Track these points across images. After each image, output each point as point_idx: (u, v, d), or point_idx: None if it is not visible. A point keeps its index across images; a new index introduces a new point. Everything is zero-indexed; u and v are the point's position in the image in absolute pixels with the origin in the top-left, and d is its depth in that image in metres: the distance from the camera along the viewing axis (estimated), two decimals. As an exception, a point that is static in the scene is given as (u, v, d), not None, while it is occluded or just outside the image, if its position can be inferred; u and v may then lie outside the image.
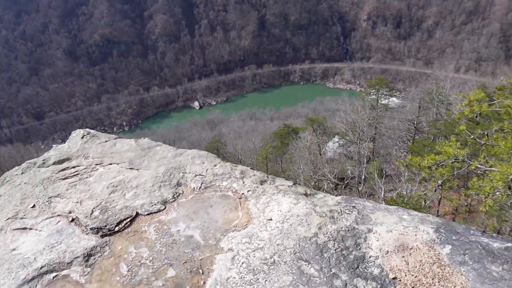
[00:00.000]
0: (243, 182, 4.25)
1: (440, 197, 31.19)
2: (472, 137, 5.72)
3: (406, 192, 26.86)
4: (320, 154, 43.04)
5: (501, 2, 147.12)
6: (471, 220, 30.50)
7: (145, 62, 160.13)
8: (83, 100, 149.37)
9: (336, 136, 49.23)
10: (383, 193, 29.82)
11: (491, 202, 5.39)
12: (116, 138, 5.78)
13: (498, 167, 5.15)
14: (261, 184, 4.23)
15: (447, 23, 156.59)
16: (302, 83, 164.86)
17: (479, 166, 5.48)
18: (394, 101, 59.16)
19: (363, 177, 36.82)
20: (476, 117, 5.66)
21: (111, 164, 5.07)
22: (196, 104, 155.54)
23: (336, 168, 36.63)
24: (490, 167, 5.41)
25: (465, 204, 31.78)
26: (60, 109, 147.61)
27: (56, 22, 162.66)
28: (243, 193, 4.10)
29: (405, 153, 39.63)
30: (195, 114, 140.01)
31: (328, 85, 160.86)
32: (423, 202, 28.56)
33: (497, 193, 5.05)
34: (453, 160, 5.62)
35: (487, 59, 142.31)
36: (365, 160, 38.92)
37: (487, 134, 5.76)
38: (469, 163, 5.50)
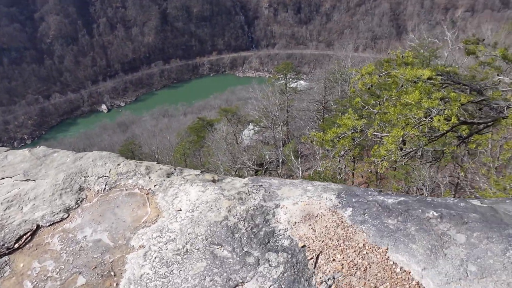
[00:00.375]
0: (149, 178, 4.15)
1: (354, 168, 33.40)
2: (366, 107, 6.16)
3: (322, 169, 28.28)
4: (237, 143, 43.54)
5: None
6: (382, 186, 33.10)
7: (42, 67, 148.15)
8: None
9: (250, 123, 50.10)
10: (300, 173, 31.08)
11: (386, 164, 5.87)
12: (7, 151, 5.31)
13: (390, 131, 5.62)
14: (168, 177, 4.16)
15: (343, 6, 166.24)
16: (211, 74, 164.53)
17: (375, 133, 5.92)
18: (301, 84, 61.55)
19: (280, 160, 37.96)
20: (369, 89, 6.12)
21: (3, 178, 4.66)
22: (103, 107, 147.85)
23: (254, 154, 37.34)
24: (384, 133, 5.88)
25: (375, 171, 34.33)
26: None
27: None
28: (150, 188, 4.01)
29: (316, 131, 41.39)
30: (103, 118, 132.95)
31: (237, 75, 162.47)
32: (338, 176, 30.33)
33: (392, 155, 5.54)
34: (352, 131, 6.00)
35: (381, 37, 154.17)
36: (281, 143, 40.15)
37: (379, 103, 6.24)
38: (366, 132, 5.92)
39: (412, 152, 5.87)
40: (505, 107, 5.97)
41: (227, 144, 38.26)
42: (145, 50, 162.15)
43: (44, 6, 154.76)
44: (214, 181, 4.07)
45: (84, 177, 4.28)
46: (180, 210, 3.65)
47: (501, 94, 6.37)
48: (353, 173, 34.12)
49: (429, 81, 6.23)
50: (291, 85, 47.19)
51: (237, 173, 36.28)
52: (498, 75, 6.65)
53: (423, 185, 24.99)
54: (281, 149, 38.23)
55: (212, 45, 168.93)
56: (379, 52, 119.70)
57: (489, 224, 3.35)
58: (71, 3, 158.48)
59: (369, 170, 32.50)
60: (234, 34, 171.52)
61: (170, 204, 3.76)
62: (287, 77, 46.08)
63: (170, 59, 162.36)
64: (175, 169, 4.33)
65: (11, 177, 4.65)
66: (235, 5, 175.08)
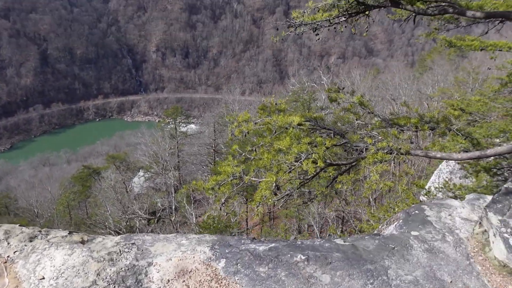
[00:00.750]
0: (8, 244, 3.75)
1: (247, 211, 33.89)
2: (243, 154, 6.42)
3: (215, 213, 28.22)
4: (127, 192, 41.64)
5: (270, 32, 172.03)
6: (275, 225, 34.04)
7: None
8: None
9: (140, 170, 48.56)
10: (194, 219, 30.62)
11: (261, 209, 6.11)
12: None
13: (265, 177, 5.92)
14: (31, 241, 3.80)
15: (229, 52, 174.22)
16: (98, 119, 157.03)
17: (252, 179, 6.18)
18: (192, 127, 61.90)
19: (173, 207, 37.10)
20: (245, 136, 6.44)
21: None
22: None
23: (146, 202, 35.98)
24: (260, 178, 6.17)
25: (268, 212, 35.33)
26: None
27: None
28: (8, 256, 3.61)
29: (209, 176, 41.64)
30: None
31: (126, 119, 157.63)
32: (232, 219, 30.49)
33: (267, 200, 5.81)
34: (232, 178, 6.18)
35: (266, 81, 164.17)
36: (173, 189, 39.41)
37: (255, 150, 6.56)
38: (243, 177, 6.16)
39: (286, 195, 6.24)
40: (364, 149, 6.72)
41: (116, 193, 36.34)
42: (22, 93, 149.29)
43: None
44: (83, 242, 3.82)
45: None
46: (43, 278, 3.35)
47: (359, 137, 7.17)
48: (246, 217, 34.63)
49: (299, 127, 6.77)
50: (181, 129, 47.14)
51: (128, 223, 34.44)
52: (356, 119, 7.48)
53: (313, 221, 26.30)
54: (173, 195, 37.47)
55: (97, 89, 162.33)
56: (265, 96, 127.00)
57: (350, 261, 3.65)
58: None
59: (267, 212, 33.38)
60: (121, 78, 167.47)
61: (32, 272, 3.42)
62: (177, 121, 46.00)
63: (51, 102, 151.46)
64: (40, 231, 3.97)
65: None
66: (122, 48, 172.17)
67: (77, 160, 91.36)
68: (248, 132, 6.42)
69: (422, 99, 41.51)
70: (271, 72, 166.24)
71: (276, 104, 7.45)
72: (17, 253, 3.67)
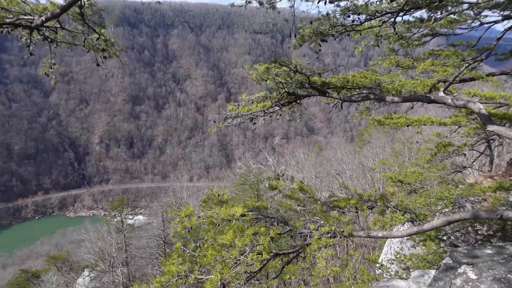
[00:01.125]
0: None
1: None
2: (187, 251, 6.24)
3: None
4: (69, 295, 38.37)
5: (213, 118, 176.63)
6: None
7: None
8: None
9: (85, 269, 45.31)
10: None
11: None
12: None
13: (211, 275, 5.74)
14: None
15: (175, 139, 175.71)
16: (37, 217, 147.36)
17: (199, 277, 5.95)
18: (140, 219, 59.68)
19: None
20: (189, 231, 6.29)
21: None
22: None
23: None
24: (207, 275, 5.96)
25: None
26: None
27: None
28: None
29: (160, 270, 39.55)
30: None
31: (68, 215, 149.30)
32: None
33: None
34: (177, 278, 5.92)
35: (213, 166, 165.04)
36: (122, 287, 36.83)
37: (199, 246, 6.41)
38: (189, 276, 5.92)
39: (233, 292, 6.03)
40: (308, 235, 6.79)
41: (56, 298, 33.38)
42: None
43: None
44: None
45: None
46: None
47: (302, 223, 7.27)
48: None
49: (242, 218, 6.77)
50: (129, 222, 45.24)
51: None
52: (298, 205, 7.63)
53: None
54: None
55: (37, 185, 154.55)
56: (213, 180, 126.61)
57: None
58: None
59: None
60: (63, 172, 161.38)
61: None
62: (123, 214, 44.23)
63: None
64: None
65: None
66: (63, 141, 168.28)
67: (14, 263, 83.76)
68: (191, 228, 6.31)
69: (365, 171, 43.31)
70: (218, 156, 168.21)
71: (218, 195, 7.47)
72: None
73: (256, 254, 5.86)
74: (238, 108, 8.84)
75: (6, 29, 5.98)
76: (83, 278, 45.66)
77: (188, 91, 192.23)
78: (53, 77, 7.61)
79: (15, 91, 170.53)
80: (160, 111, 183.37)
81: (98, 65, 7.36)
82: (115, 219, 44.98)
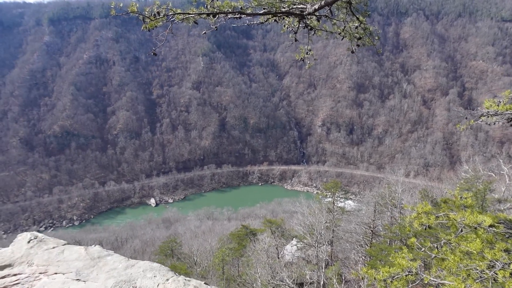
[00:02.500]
0: (196, 299, 4.05)
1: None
2: (423, 250, 5.87)
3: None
4: (278, 258, 42.11)
5: (441, 113, 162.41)
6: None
7: (104, 156, 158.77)
8: (34, 190, 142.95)
9: (294, 239, 48.68)
10: (342, 300, 28.99)
11: (445, 319, 5.35)
12: (65, 245, 5.46)
13: (449, 282, 5.24)
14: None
15: (395, 131, 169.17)
16: (260, 184, 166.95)
17: (432, 279, 5.54)
18: (350, 204, 60.45)
19: (322, 282, 35.88)
20: (426, 229, 5.87)
21: (56, 273, 4.72)
22: (152, 201, 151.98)
23: (295, 272, 35.60)
24: (442, 280, 5.48)
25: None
26: (7, 198, 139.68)
27: (16, 110, 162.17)
28: (196, 311, 3.89)
29: (363, 257, 39.56)
30: (150, 211, 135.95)
31: (286, 187, 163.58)
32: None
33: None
34: (407, 273, 5.66)
35: (433, 164, 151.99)
36: (324, 264, 38.29)
37: (437, 247, 5.94)
38: (422, 276, 5.56)
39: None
40: None
41: (268, 257, 37.05)
42: (200, 153, 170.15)
43: (118, 102, 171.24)
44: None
45: (133, 287, 4.27)
46: None
47: None
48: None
49: (491, 228, 5.95)
50: (339, 205, 46.30)
51: (274, 289, 34.46)
52: None
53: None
54: (323, 270, 36.34)
55: (264, 156, 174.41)
56: (431, 180, 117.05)
57: None
58: (141, 102, 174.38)
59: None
60: (286, 148, 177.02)
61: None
62: (335, 196, 45.47)
63: (223, 164, 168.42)
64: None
65: (63, 274, 4.72)
66: (290, 120, 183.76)
67: (237, 218, 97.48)
68: (429, 226, 5.90)
69: None
70: (440, 155, 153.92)
71: (461, 198, 6.76)
72: (202, 311, 3.92)
73: (510, 275, 5.05)
74: (498, 105, 7.71)
75: (278, 16, 6.56)
76: (291, 246, 49.32)
77: (416, 82, 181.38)
78: (308, 62, 8.00)
79: (255, 73, 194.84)
80: (384, 101, 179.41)
81: (352, 52, 7.44)
82: (327, 199, 46.66)
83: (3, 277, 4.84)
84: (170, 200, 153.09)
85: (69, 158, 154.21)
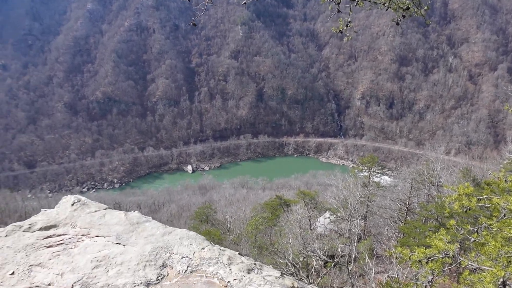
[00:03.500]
0: (230, 269, 4.15)
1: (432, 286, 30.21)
2: (462, 233, 5.71)
3: (397, 275, 26.09)
4: (311, 229, 42.39)
5: (488, 90, 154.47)
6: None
7: (143, 122, 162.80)
8: (77, 153, 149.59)
9: (327, 211, 48.73)
10: (373, 274, 29.01)
11: (480, 305, 5.22)
12: (106, 209, 5.69)
13: (488, 267, 5.08)
14: (248, 273, 4.12)
15: (438, 107, 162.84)
16: (295, 155, 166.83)
17: (470, 263, 5.40)
18: (386, 179, 59.56)
19: (353, 256, 35.94)
20: (466, 212, 5.67)
21: (98, 236, 4.95)
22: (189, 168, 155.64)
23: (326, 244, 35.77)
24: (480, 265, 5.33)
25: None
26: (53, 160, 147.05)
27: (61, 76, 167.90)
28: (229, 281, 3.99)
29: (396, 233, 39.17)
30: (187, 178, 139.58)
31: (321, 159, 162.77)
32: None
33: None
34: (444, 255, 5.53)
35: (476, 143, 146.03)
36: (356, 238, 38.25)
37: (476, 231, 5.75)
38: (459, 259, 5.42)
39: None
40: None
41: (300, 228, 37.34)
42: (237, 122, 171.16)
43: (157, 70, 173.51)
44: (293, 287, 3.95)
45: (169, 253, 4.42)
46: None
47: None
48: None
49: (537, 215, 5.69)
50: (375, 180, 45.73)
51: (305, 259, 34.90)
52: None
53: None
54: (355, 244, 36.33)
55: (300, 127, 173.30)
56: (473, 159, 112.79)
57: None
58: (180, 70, 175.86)
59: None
60: (323, 120, 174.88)
61: (246, 302, 3.68)
62: (371, 171, 44.85)
63: (259, 134, 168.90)
64: (255, 264, 4.29)
65: (104, 237, 4.95)
66: (328, 93, 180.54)
67: (271, 188, 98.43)
68: (469, 209, 5.69)
69: None
70: (484, 134, 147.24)
71: (506, 181, 6.46)
72: (236, 281, 4.01)
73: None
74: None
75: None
76: (324, 218, 49.46)
77: (463, 56, 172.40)
78: (347, 34, 7.67)
79: (294, 43, 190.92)
80: (427, 74, 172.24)
81: (398, 24, 7.08)
82: (362, 174, 46.14)
83: (48, 237, 5.08)
84: (206, 168, 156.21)
85: (110, 123, 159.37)
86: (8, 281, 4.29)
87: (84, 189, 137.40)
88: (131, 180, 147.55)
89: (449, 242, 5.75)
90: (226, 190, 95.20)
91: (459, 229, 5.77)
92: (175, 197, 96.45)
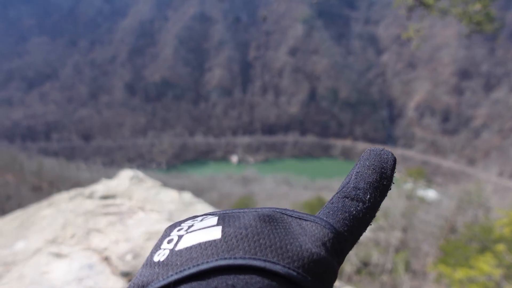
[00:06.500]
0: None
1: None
2: (508, 257, 5.55)
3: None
4: (347, 234, 41.77)
5: None
6: None
7: (196, 108, 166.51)
8: (131, 131, 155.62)
9: (366, 218, 47.72)
10: (406, 288, 28.33)
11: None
12: (161, 186, 6.01)
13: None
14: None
15: (495, 126, 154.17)
16: (341, 158, 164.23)
17: (514, 290, 5.25)
18: (431, 194, 57.62)
19: (388, 266, 35.24)
20: (516, 238, 5.50)
21: (152, 211, 5.28)
22: (234, 158, 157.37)
23: (362, 251, 35.35)
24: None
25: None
26: (108, 135, 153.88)
27: (124, 56, 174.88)
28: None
29: (434, 250, 37.94)
30: (231, 168, 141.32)
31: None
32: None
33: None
34: (487, 279, 5.42)
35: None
36: (393, 249, 37.47)
37: (525, 258, 5.57)
38: (503, 285, 5.28)
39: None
40: None
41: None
42: (287, 119, 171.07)
43: (215, 59, 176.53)
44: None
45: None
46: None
47: None
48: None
49: None
50: (419, 193, 44.42)
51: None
52: None
53: None
54: (391, 255, 35.59)
55: (349, 131, 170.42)
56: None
57: None
58: (237, 62, 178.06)
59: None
60: (373, 126, 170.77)
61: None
62: (417, 183, 43.58)
63: (307, 132, 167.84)
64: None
65: (158, 212, 5.27)
66: (382, 99, 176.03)
67: (313, 188, 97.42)
68: (520, 235, 5.51)
69: None
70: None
71: None
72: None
73: None
74: None
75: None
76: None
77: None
78: (415, 42, 7.59)
79: (354, 46, 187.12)
80: (488, 91, 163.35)
81: (467, 36, 6.93)
82: (407, 185, 44.88)
83: (107, 206, 5.45)
84: (251, 160, 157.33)
85: (165, 106, 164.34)
86: (68, 241, 4.69)
87: (133, 167, 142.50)
88: (178, 164, 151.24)
89: (495, 267, 5.62)
90: (268, 184, 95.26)
91: (506, 256, 5.62)
92: (217, 184, 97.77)
